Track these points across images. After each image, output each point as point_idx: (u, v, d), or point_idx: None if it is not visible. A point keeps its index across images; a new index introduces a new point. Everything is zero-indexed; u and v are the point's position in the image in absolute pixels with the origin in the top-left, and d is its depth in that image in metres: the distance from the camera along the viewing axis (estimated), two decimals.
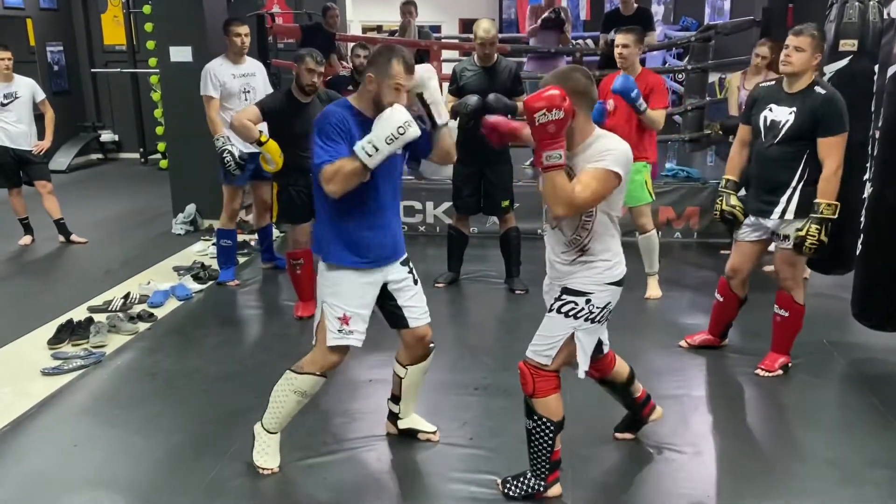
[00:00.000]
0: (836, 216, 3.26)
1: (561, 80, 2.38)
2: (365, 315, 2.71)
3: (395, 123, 2.44)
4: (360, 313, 2.68)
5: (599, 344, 2.68)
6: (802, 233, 3.29)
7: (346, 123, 2.55)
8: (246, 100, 4.86)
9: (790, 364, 3.63)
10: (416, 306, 2.82)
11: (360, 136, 2.50)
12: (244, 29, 4.87)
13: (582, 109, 2.39)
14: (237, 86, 4.86)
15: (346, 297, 2.66)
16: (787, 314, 3.55)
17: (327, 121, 2.55)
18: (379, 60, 2.55)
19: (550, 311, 2.56)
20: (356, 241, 2.64)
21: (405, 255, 2.81)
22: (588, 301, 2.49)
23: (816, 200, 3.28)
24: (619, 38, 4.41)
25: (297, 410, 2.81)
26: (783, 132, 3.34)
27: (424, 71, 2.63)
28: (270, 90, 5.01)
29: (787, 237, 3.41)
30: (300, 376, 2.74)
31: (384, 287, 2.75)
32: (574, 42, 7.56)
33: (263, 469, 2.80)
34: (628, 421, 3.01)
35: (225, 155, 4.62)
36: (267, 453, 2.82)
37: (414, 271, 2.84)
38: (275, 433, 2.83)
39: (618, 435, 3.03)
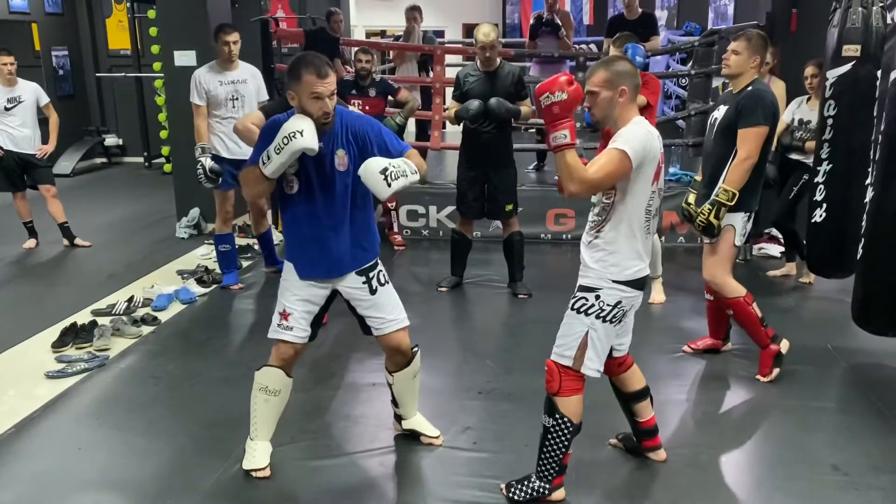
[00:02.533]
0: (731, 203, 3.36)
1: (606, 63, 2.50)
2: (305, 313, 2.76)
3: (283, 133, 2.49)
4: (299, 311, 2.74)
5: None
6: (693, 207, 3.46)
7: (275, 132, 2.55)
8: (234, 107, 4.83)
9: (783, 351, 3.60)
10: (375, 316, 2.81)
11: None
12: (233, 36, 4.81)
13: (626, 95, 2.45)
14: (224, 93, 4.82)
15: (287, 294, 2.76)
16: (731, 311, 3.59)
17: (268, 125, 2.65)
18: (291, 76, 2.55)
19: (569, 310, 2.58)
20: (298, 250, 2.74)
21: (362, 267, 2.78)
22: (598, 297, 2.50)
23: (720, 184, 3.37)
24: (614, 50, 4.40)
25: (272, 413, 2.83)
26: (715, 127, 3.48)
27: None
28: (264, 97, 5.02)
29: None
30: (260, 371, 2.81)
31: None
32: (577, 46, 7.58)
33: (252, 471, 2.80)
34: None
35: (197, 166, 4.63)
36: (253, 456, 2.83)
37: (375, 279, 2.80)
38: (257, 440, 2.84)
39: (612, 441, 3.01)
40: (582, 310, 2.53)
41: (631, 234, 2.49)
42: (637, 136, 2.42)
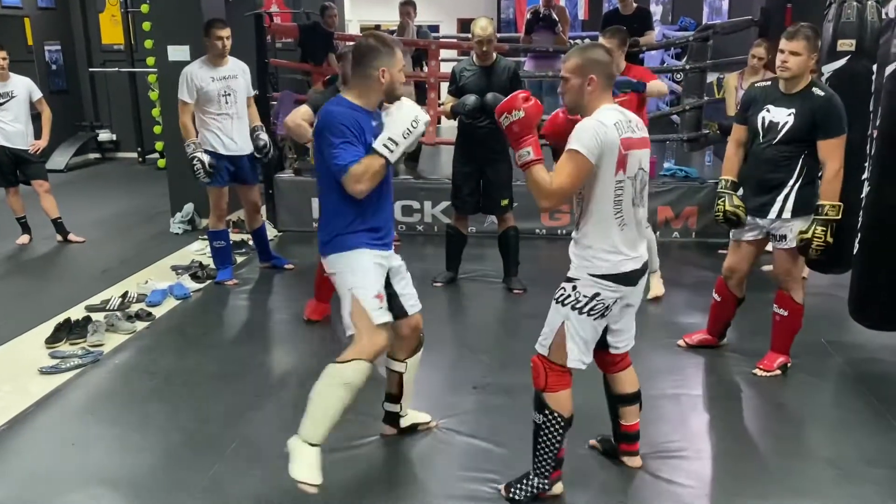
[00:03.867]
0: (839, 217, 3.26)
1: (580, 50, 2.49)
2: (385, 295, 2.74)
3: (409, 117, 2.56)
4: (383, 293, 2.72)
5: (603, 339, 2.66)
6: (808, 235, 3.28)
7: (356, 122, 2.58)
8: (227, 103, 4.79)
9: (789, 364, 3.63)
10: (411, 293, 2.87)
11: (368, 133, 2.58)
12: (226, 32, 4.74)
13: (594, 83, 2.43)
14: (216, 89, 4.76)
15: (371, 279, 2.68)
16: (786, 313, 3.55)
17: (339, 121, 2.56)
18: (383, 51, 2.59)
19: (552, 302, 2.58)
20: (371, 226, 2.69)
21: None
22: (574, 288, 2.49)
23: (820, 202, 3.28)
24: (604, 43, 4.35)
25: (341, 413, 2.61)
26: (782, 133, 3.34)
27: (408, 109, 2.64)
28: (251, 92, 4.99)
29: (783, 237, 3.42)
30: (348, 365, 2.58)
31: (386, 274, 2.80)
32: (572, 42, 7.56)
33: (306, 484, 2.53)
34: (606, 443, 2.93)
35: (195, 161, 4.62)
36: (310, 465, 2.54)
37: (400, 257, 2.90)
38: (317, 445, 2.58)
39: (591, 441, 2.97)
40: (559, 300, 2.53)
41: (603, 226, 2.46)
42: (586, 129, 2.38)
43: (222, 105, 4.79)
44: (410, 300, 2.86)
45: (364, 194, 2.58)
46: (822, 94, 3.30)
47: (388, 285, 2.79)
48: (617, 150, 2.39)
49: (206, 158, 4.63)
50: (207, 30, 4.77)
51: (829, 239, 3.26)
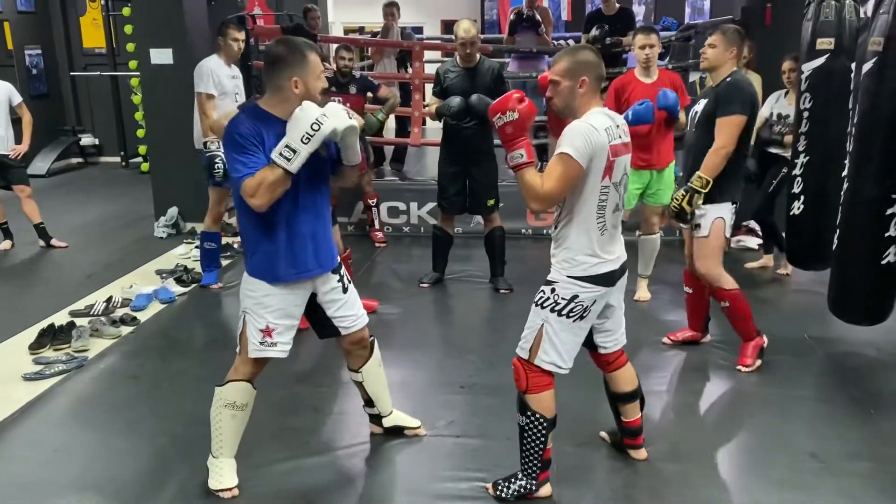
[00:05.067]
0: (704, 189, 3.40)
1: (569, 53, 2.49)
2: (291, 325, 2.63)
3: (309, 120, 2.34)
4: (284, 324, 2.60)
5: (591, 340, 2.68)
6: (675, 196, 3.48)
7: (256, 132, 2.41)
8: (236, 100, 4.85)
9: (764, 344, 3.65)
10: (345, 315, 2.75)
11: (277, 142, 2.39)
12: (242, 34, 4.91)
13: (586, 86, 2.44)
14: (231, 86, 4.88)
15: (269, 309, 2.57)
16: (727, 304, 3.61)
17: (236, 131, 2.42)
18: (292, 60, 2.42)
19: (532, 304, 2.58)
20: (279, 253, 2.53)
21: (336, 264, 2.71)
22: (553, 290, 2.50)
23: (697, 172, 3.41)
24: (644, 39, 4.31)
25: (238, 428, 2.68)
26: (696, 118, 3.53)
27: (337, 113, 2.44)
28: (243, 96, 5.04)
29: (697, 226, 3.53)
30: (225, 387, 2.65)
31: (312, 296, 2.68)
32: (556, 42, 7.59)
33: (220, 491, 2.66)
34: (614, 435, 2.97)
35: (217, 160, 4.59)
36: (220, 475, 2.68)
37: (345, 278, 2.76)
38: (223, 458, 2.69)
39: (601, 433, 3.03)
40: (539, 303, 2.53)
41: (584, 230, 2.46)
42: (577, 133, 2.38)
43: (233, 103, 4.82)
44: (346, 321, 2.75)
45: (262, 209, 2.40)
46: (730, 79, 3.44)
47: (320, 309, 2.71)
48: (606, 155, 2.40)
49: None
50: (224, 31, 4.85)
51: (685, 205, 3.43)
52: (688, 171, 3.57)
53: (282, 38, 2.54)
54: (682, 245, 5.86)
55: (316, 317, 2.75)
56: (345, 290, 2.74)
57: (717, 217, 3.47)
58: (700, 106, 3.55)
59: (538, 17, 7.08)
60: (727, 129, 3.38)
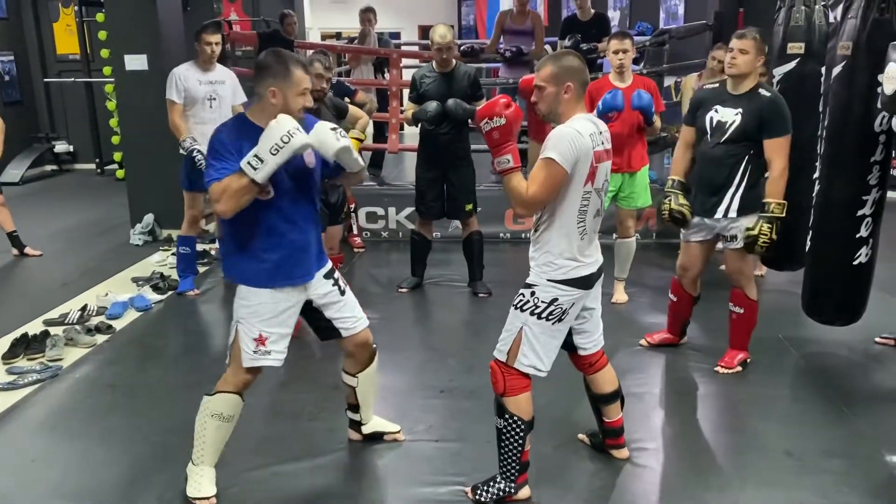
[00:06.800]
0: (784, 214, 3.36)
1: (553, 58, 2.49)
2: (284, 333, 2.62)
3: (279, 133, 2.36)
4: (278, 332, 2.60)
5: (571, 342, 2.70)
6: (754, 232, 3.37)
7: (236, 140, 2.44)
8: (211, 107, 4.80)
9: (748, 360, 3.71)
10: (346, 317, 2.77)
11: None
12: (216, 38, 4.84)
13: (571, 91, 2.45)
14: (202, 92, 4.80)
15: (262, 317, 2.57)
16: (741, 311, 3.63)
17: (216, 138, 2.47)
18: (275, 70, 2.45)
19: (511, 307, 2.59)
20: (269, 261, 2.54)
21: (328, 267, 2.73)
22: (533, 294, 2.51)
23: (766, 200, 3.36)
24: (618, 45, 4.33)
25: (223, 438, 2.68)
26: (729, 133, 3.42)
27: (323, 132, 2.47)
28: (241, 99, 4.99)
29: (734, 237, 3.50)
30: (214, 397, 2.64)
31: (309, 302, 2.68)
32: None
33: (198, 499, 2.65)
34: (594, 437, 2.98)
35: (195, 154, 4.60)
36: (199, 483, 2.67)
37: (340, 281, 2.77)
38: (204, 466, 2.68)
39: (580, 435, 3.04)
40: (518, 306, 2.55)
41: (564, 234, 2.48)
42: (562, 138, 2.39)
43: (206, 109, 4.79)
44: (347, 322, 2.76)
45: (227, 215, 2.41)
46: (768, 94, 3.40)
47: (318, 312, 2.72)
48: (590, 161, 2.43)
49: (204, 150, 4.62)
50: (198, 34, 4.83)
51: (774, 236, 3.36)
52: (713, 183, 3.46)
53: (274, 49, 2.57)
54: (656, 248, 5.94)
55: (317, 320, 2.76)
56: (342, 292, 2.76)
57: (747, 227, 3.43)
58: (720, 114, 3.44)
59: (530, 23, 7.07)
60: (783, 151, 3.33)
